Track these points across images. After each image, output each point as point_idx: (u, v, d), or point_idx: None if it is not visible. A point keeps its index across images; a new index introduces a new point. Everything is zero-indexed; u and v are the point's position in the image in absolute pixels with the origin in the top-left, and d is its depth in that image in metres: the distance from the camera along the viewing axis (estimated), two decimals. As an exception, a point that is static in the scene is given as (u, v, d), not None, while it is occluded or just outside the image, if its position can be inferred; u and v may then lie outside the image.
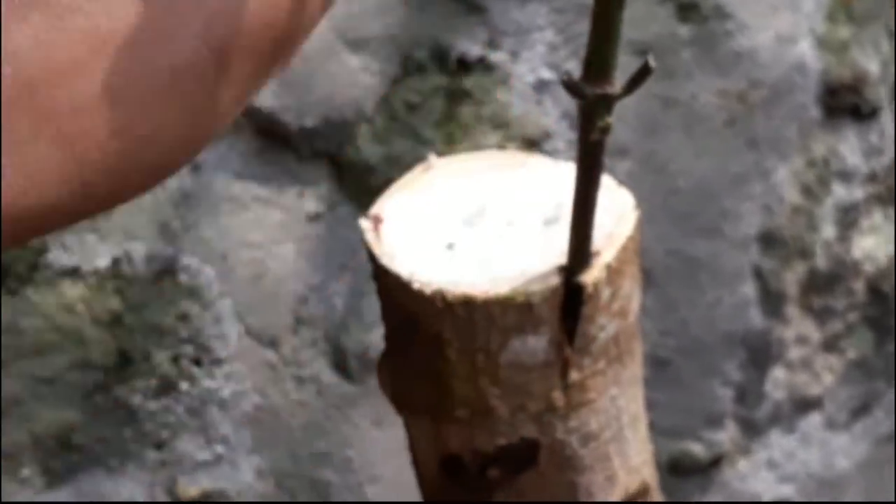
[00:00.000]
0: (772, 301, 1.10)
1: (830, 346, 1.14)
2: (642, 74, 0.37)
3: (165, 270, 0.94)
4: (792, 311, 1.10)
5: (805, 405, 1.15)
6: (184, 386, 0.96)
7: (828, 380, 1.15)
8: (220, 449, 0.98)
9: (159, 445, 0.97)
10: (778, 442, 1.15)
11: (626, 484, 0.59)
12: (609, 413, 0.55)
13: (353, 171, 0.96)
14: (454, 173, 0.56)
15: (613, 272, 0.50)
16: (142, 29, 0.29)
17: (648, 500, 0.61)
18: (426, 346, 0.53)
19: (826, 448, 1.18)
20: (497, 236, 0.52)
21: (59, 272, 0.92)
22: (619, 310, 0.52)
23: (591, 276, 0.49)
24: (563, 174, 0.55)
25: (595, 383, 0.54)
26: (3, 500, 0.94)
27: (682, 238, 1.04)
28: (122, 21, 0.28)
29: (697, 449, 1.12)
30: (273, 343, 0.97)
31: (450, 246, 0.52)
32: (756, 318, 1.09)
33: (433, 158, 0.56)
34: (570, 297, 0.49)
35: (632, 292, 0.52)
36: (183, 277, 0.94)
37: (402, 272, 0.51)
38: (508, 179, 0.54)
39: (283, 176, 0.95)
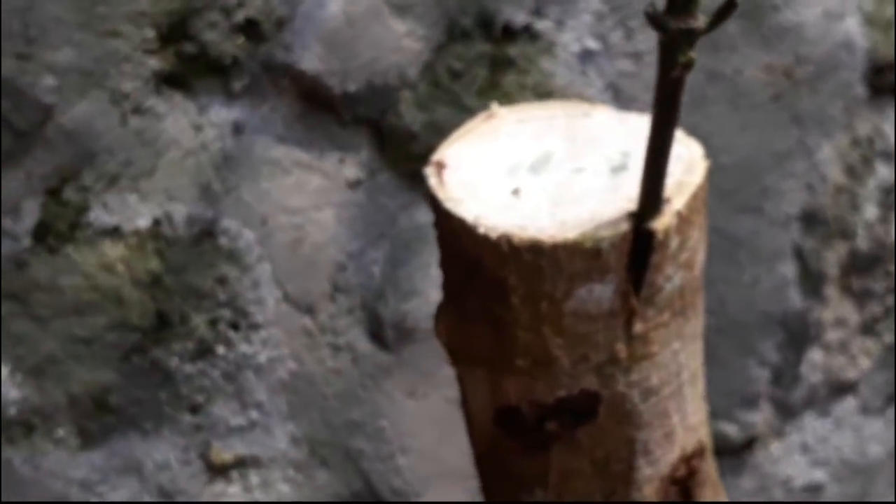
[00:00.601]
0: (811, 281, 1.09)
1: (868, 329, 1.13)
2: (727, 9, 0.36)
3: (205, 233, 0.94)
4: (831, 292, 1.10)
5: (840, 389, 1.14)
6: (220, 350, 0.96)
7: (864, 364, 1.14)
8: (254, 415, 0.98)
9: (194, 409, 0.96)
10: (812, 425, 1.14)
11: (683, 442, 0.58)
12: (670, 368, 0.54)
13: (394, 138, 0.96)
14: (517, 121, 0.55)
15: (683, 220, 0.49)
16: None
17: (704, 461, 0.60)
18: (489, 292, 0.52)
19: (859, 433, 1.17)
20: (563, 183, 0.51)
21: (100, 231, 0.92)
22: (686, 261, 0.51)
23: (661, 222, 0.48)
24: (628, 124, 0.54)
25: (658, 336, 0.53)
26: (38, 458, 0.94)
27: (724, 215, 1.03)
28: None
29: (731, 430, 1.11)
30: (310, 310, 0.97)
31: (515, 192, 0.51)
32: (795, 298, 1.08)
33: (495, 106, 0.55)
34: (639, 244, 0.48)
35: (699, 244, 0.52)
36: (223, 240, 0.94)
37: (468, 217, 0.51)
38: (573, 128, 0.54)
39: (324, 141, 0.95)
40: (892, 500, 1.19)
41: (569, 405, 0.54)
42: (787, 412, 1.12)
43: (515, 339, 0.53)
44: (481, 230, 0.49)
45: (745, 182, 1.04)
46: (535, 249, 0.49)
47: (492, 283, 0.51)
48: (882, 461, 1.18)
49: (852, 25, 1.03)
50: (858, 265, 1.10)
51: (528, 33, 0.96)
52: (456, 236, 0.51)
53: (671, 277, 0.51)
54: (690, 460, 0.58)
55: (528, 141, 0.54)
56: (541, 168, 0.52)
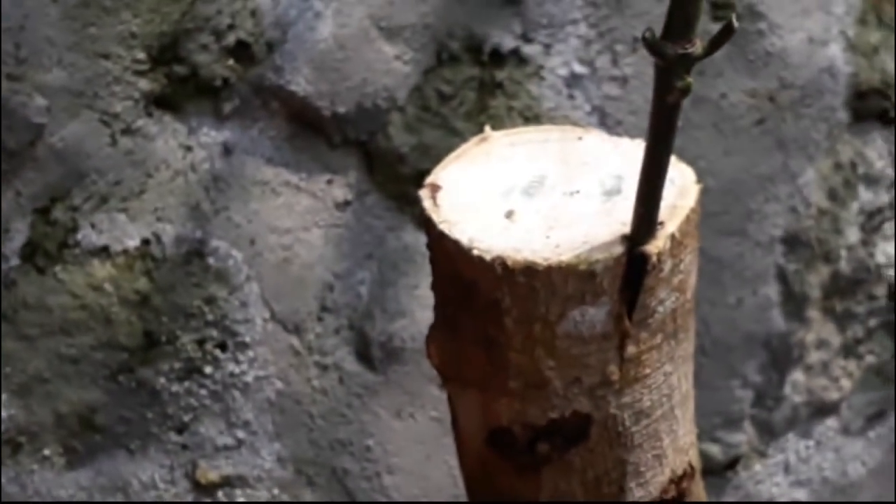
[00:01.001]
0: (794, 303, 1.10)
1: (850, 350, 1.14)
2: (725, 34, 0.37)
3: (194, 253, 0.94)
4: (814, 314, 1.11)
5: (822, 410, 1.15)
6: (207, 369, 0.96)
7: (846, 385, 1.15)
8: (241, 434, 0.98)
9: (181, 429, 0.96)
10: (794, 446, 1.15)
11: (673, 464, 0.59)
12: (662, 390, 0.55)
13: (383, 160, 0.96)
14: (510, 144, 0.56)
15: (676, 244, 0.50)
16: None
17: (694, 483, 0.61)
18: (483, 314, 0.53)
19: (841, 454, 1.18)
20: (557, 206, 0.52)
21: (89, 251, 0.92)
22: (679, 284, 0.52)
23: (655, 245, 0.49)
24: (621, 147, 0.55)
25: (650, 358, 0.54)
26: (25, 476, 0.93)
27: (708, 237, 1.04)
28: None
29: (714, 450, 1.12)
30: (297, 329, 0.97)
31: (509, 214, 0.52)
32: (778, 320, 1.09)
33: (488, 130, 0.56)
34: (632, 267, 0.49)
35: (691, 267, 0.52)
36: (211, 261, 0.94)
37: (462, 239, 0.51)
38: (566, 151, 0.54)
39: (312, 162, 0.95)
40: (874, 521, 1.20)
41: (561, 427, 0.54)
42: (769, 433, 1.13)
43: (508, 361, 0.53)
44: (476, 252, 0.50)
45: (729, 205, 1.05)
46: (530, 272, 0.49)
47: (485, 304, 0.52)
48: (863, 481, 1.19)
49: (835, 51, 1.05)
50: (841, 288, 1.11)
51: (517, 57, 0.97)
52: (450, 258, 0.52)
53: (664, 300, 0.51)
54: (680, 482, 0.59)
55: (521, 164, 0.54)
56: (535, 191, 0.52)
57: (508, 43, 0.96)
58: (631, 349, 0.52)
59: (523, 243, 0.50)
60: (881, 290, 1.13)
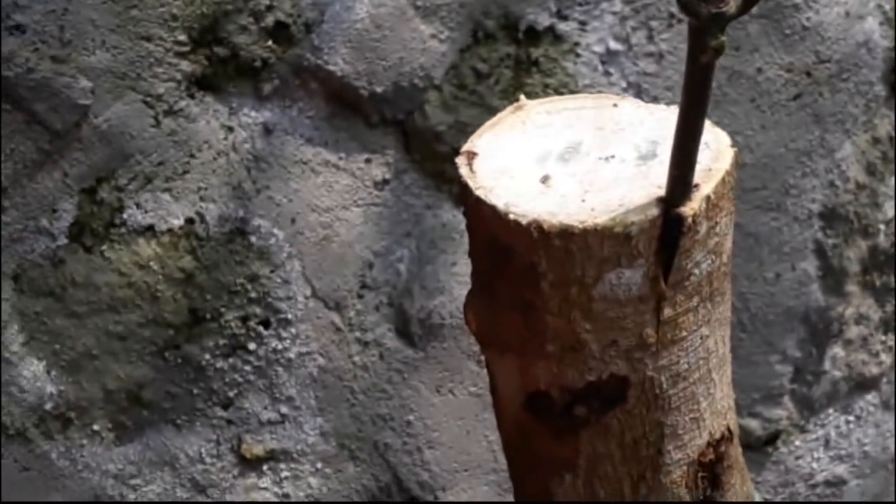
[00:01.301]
0: (833, 278, 1.10)
1: (889, 325, 1.13)
2: (757, -5, 0.38)
3: (237, 231, 0.95)
4: (852, 288, 1.10)
5: (862, 385, 1.15)
6: (251, 346, 0.97)
7: (885, 360, 1.15)
8: (284, 409, 0.99)
9: (226, 404, 0.98)
10: (834, 421, 1.15)
11: (711, 427, 0.59)
12: (699, 353, 0.56)
13: (420, 139, 0.97)
14: (546, 112, 0.57)
15: (712, 206, 0.51)
16: None
17: (732, 446, 0.61)
18: (519, 279, 0.54)
19: (881, 429, 1.18)
20: (592, 171, 0.53)
21: (134, 230, 0.93)
22: (715, 246, 0.53)
23: (690, 207, 0.50)
24: (656, 114, 0.55)
25: (687, 321, 0.54)
26: (75, 451, 0.95)
27: (746, 212, 1.04)
28: None
29: (754, 425, 1.12)
30: (338, 306, 0.99)
31: (545, 179, 0.53)
32: (817, 295, 1.09)
33: (523, 99, 0.57)
34: (668, 229, 0.49)
35: (727, 230, 0.53)
36: (253, 239, 0.96)
37: (498, 204, 0.52)
38: (601, 118, 0.55)
39: (351, 142, 0.97)
40: (915, 495, 1.20)
41: (599, 390, 0.55)
42: (809, 408, 1.13)
43: (545, 325, 0.54)
44: (512, 217, 0.51)
45: (766, 180, 1.05)
46: (566, 235, 0.50)
47: (522, 269, 0.53)
48: (904, 457, 1.19)
49: (872, 25, 1.04)
50: (879, 262, 1.11)
51: (552, 35, 0.97)
52: (486, 223, 0.53)
53: (700, 263, 0.52)
54: (718, 445, 0.59)
55: (556, 130, 0.55)
56: (570, 156, 0.53)
57: (544, 20, 0.97)
58: (667, 311, 0.52)
59: (559, 207, 0.51)
60: (921, 265, 1.12)
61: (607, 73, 0.99)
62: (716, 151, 0.52)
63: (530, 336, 0.56)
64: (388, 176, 0.98)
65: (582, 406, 0.56)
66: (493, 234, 0.54)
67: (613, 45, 0.98)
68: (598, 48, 0.98)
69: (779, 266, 1.08)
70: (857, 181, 1.07)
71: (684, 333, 0.54)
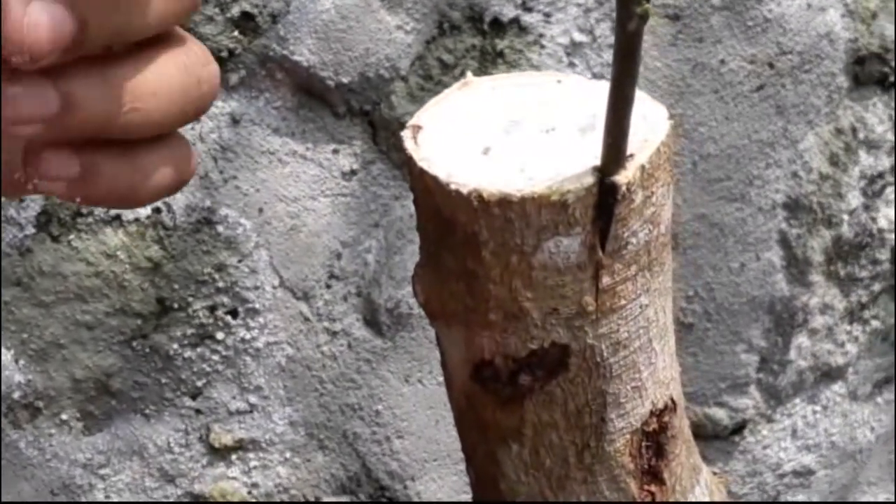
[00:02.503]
0: (797, 268, 1.11)
1: (855, 315, 1.15)
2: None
3: (204, 221, 0.96)
4: (817, 278, 1.12)
5: (828, 375, 1.16)
6: (219, 335, 0.98)
7: (851, 350, 1.16)
8: (253, 399, 1.00)
9: (194, 394, 0.99)
10: (801, 411, 1.16)
11: (653, 397, 0.60)
12: (638, 322, 0.57)
13: (387, 129, 0.98)
14: (491, 88, 0.58)
15: (647, 175, 0.52)
16: None
17: (676, 417, 0.62)
18: (462, 249, 0.55)
19: (849, 419, 1.19)
20: (533, 142, 0.54)
21: (101, 220, 0.94)
22: (652, 216, 0.54)
23: (625, 176, 0.51)
24: (597, 89, 0.56)
25: (626, 290, 0.55)
26: (43, 440, 0.96)
27: (710, 203, 1.06)
28: None
29: (721, 415, 1.13)
30: (306, 296, 1.00)
31: (486, 151, 0.54)
32: (781, 284, 1.11)
33: (470, 75, 0.58)
34: (603, 197, 0.50)
35: (664, 200, 0.54)
36: (220, 229, 0.97)
37: (440, 174, 0.53)
38: (545, 93, 0.56)
39: (318, 132, 0.98)
40: (881, 485, 1.21)
41: (541, 359, 0.56)
42: (775, 397, 1.15)
43: (488, 294, 0.55)
44: (453, 187, 0.52)
45: (730, 171, 1.06)
46: (504, 203, 0.51)
47: (464, 238, 0.54)
48: (871, 446, 1.20)
49: (834, 17, 1.06)
50: (843, 252, 1.12)
51: (517, 26, 0.98)
52: (430, 195, 0.54)
53: (637, 232, 0.53)
54: (662, 415, 0.60)
55: (501, 105, 0.56)
56: (512, 129, 0.54)
57: (509, 12, 0.98)
58: (606, 280, 0.53)
59: (499, 177, 0.52)
60: (884, 255, 1.14)
61: (572, 65, 1.00)
62: (652, 123, 0.53)
63: (474, 305, 0.57)
64: (355, 166, 0.99)
65: (526, 375, 0.57)
66: (436, 205, 0.55)
67: (578, 36, 1.00)
68: (563, 39, 1.00)
69: (743, 256, 1.09)
70: (820, 172, 1.09)
71: (623, 302, 0.55)
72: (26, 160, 0.39)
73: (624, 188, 0.50)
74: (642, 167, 0.50)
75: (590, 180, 0.50)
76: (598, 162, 0.51)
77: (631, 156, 0.51)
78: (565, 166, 0.51)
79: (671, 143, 0.53)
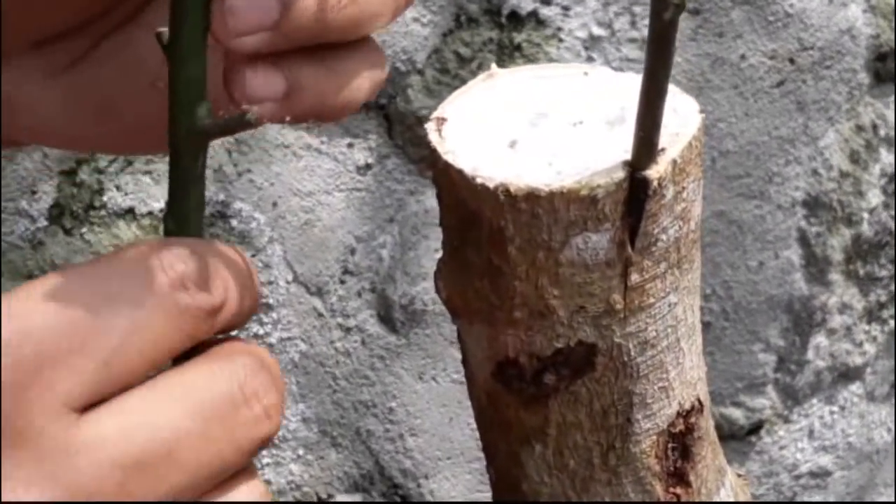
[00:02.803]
0: (816, 267, 1.10)
1: (873, 315, 1.13)
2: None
3: (218, 215, 0.95)
4: (836, 277, 1.10)
5: (846, 375, 1.15)
6: (233, 331, 0.97)
7: (869, 350, 1.15)
8: (265, 395, 0.99)
9: (206, 390, 0.98)
10: (818, 411, 1.15)
11: (680, 398, 0.59)
12: (667, 321, 0.55)
13: (402, 123, 0.97)
14: (516, 80, 0.56)
15: (678, 170, 0.50)
16: None
17: (702, 418, 0.61)
18: (487, 244, 0.53)
19: (866, 420, 1.17)
20: (561, 136, 0.52)
21: (114, 213, 0.93)
22: (682, 212, 0.52)
23: (656, 170, 0.49)
24: (626, 82, 0.55)
25: (654, 288, 0.54)
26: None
27: (729, 200, 1.04)
28: None
29: (738, 415, 1.12)
30: (320, 292, 0.98)
31: (512, 144, 0.52)
32: (800, 283, 1.09)
33: (495, 67, 0.57)
34: (634, 192, 0.49)
35: (695, 196, 0.53)
36: (234, 222, 0.96)
37: (465, 168, 0.52)
38: (571, 86, 0.55)
39: (333, 126, 0.97)
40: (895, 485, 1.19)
41: (567, 357, 0.54)
42: (793, 398, 1.13)
43: (513, 291, 0.53)
44: (479, 180, 0.50)
45: (750, 168, 1.05)
46: (532, 198, 0.50)
47: (490, 233, 0.52)
48: (888, 447, 1.19)
49: (856, 12, 1.04)
50: (863, 251, 1.11)
51: (535, 20, 0.97)
52: (455, 188, 0.52)
53: (667, 228, 0.52)
54: (688, 416, 0.59)
55: (527, 98, 0.55)
56: (538, 122, 0.53)
57: (527, 5, 0.97)
58: (634, 277, 0.52)
59: (526, 171, 0.51)
60: (905, 254, 1.12)
61: (590, 59, 0.99)
62: (683, 117, 0.52)
63: (499, 303, 0.55)
64: (370, 161, 0.98)
65: (551, 374, 0.55)
66: (461, 199, 0.54)
67: (596, 30, 0.99)
68: (581, 33, 0.98)
69: (762, 254, 1.08)
70: (840, 169, 1.07)
71: (652, 300, 0.53)
72: (230, 84, 0.37)
73: (655, 183, 0.49)
74: (674, 161, 0.49)
75: (620, 175, 0.49)
76: (628, 156, 0.50)
77: (662, 150, 0.49)
78: (594, 160, 0.50)
79: (702, 138, 0.52)
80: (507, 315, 0.53)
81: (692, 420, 0.59)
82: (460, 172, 0.51)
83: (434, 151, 0.53)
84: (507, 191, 0.49)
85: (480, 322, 0.55)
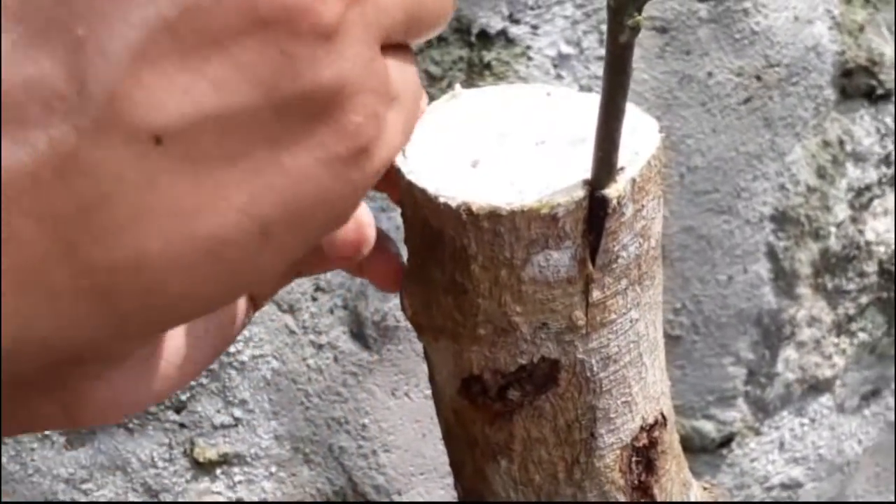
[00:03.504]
0: (785, 281, 1.11)
1: (842, 328, 1.14)
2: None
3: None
4: (804, 291, 1.11)
5: (816, 387, 1.16)
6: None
7: (839, 362, 1.16)
8: (238, 412, 0.99)
9: (178, 408, 0.98)
10: (789, 423, 1.16)
11: (644, 412, 0.59)
12: (628, 336, 0.56)
13: (373, 141, 0.98)
14: (480, 100, 0.57)
15: (637, 188, 0.51)
16: (184, 198, 0.29)
17: (666, 432, 0.62)
18: (451, 262, 0.54)
19: (836, 431, 1.18)
20: (523, 155, 0.53)
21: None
22: (642, 230, 0.53)
23: (615, 189, 0.50)
24: (588, 101, 0.56)
25: (616, 304, 0.55)
26: (25, 455, 0.95)
27: (697, 215, 1.05)
28: (165, 191, 0.29)
29: (709, 427, 1.13)
30: (292, 309, 0.99)
31: (475, 164, 0.53)
32: (769, 297, 1.10)
33: (458, 88, 0.57)
34: (594, 210, 0.50)
35: (655, 213, 0.53)
36: (205, 240, 0.96)
37: (428, 187, 0.52)
38: (534, 106, 0.56)
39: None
40: (868, 498, 1.20)
41: (530, 373, 0.55)
42: (763, 410, 1.14)
43: (477, 308, 0.54)
44: (441, 199, 0.51)
45: (718, 183, 1.06)
46: (494, 216, 0.50)
47: (453, 252, 0.53)
48: (859, 459, 1.20)
49: (821, 29, 1.06)
50: (831, 265, 1.12)
51: (504, 38, 0.98)
52: (418, 207, 0.53)
53: (627, 246, 0.52)
54: (652, 430, 0.59)
55: (490, 117, 0.56)
56: (501, 142, 0.54)
57: (496, 24, 0.98)
58: (596, 294, 0.53)
59: (488, 190, 0.52)
60: (872, 267, 1.13)
61: (559, 76, 1.00)
62: (643, 136, 0.52)
63: (463, 320, 0.56)
64: (341, 179, 0.99)
65: (515, 390, 0.56)
66: (424, 217, 0.54)
67: (565, 48, 0.99)
68: (550, 52, 0.99)
69: (731, 269, 1.09)
70: (807, 184, 1.08)
71: (613, 316, 0.54)
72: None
73: (615, 201, 0.49)
74: (633, 180, 0.50)
75: (580, 193, 0.50)
76: (588, 175, 0.50)
77: (622, 169, 0.50)
78: (555, 179, 0.51)
79: (662, 156, 0.53)
80: (470, 332, 0.54)
81: (655, 434, 0.60)
82: (423, 192, 0.51)
83: (398, 171, 0.54)
84: (469, 210, 0.50)
85: (445, 339, 0.56)
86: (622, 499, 0.58)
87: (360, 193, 0.34)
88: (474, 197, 0.50)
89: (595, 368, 0.54)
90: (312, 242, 0.33)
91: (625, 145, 0.51)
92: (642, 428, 0.58)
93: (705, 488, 0.68)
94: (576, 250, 0.50)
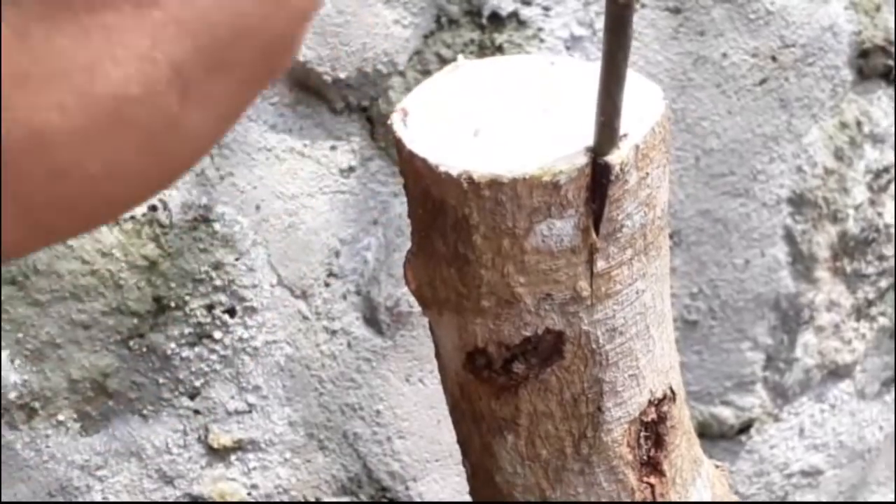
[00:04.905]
0: (803, 264, 1.09)
1: (861, 312, 1.13)
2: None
3: (200, 218, 0.95)
4: (823, 274, 1.10)
5: (836, 373, 1.15)
6: (217, 334, 0.97)
7: (859, 347, 1.14)
8: (252, 398, 0.99)
9: (192, 394, 0.98)
10: (808, 410, 1.15)
11: (651, 385, 0.59)
12: (635, 308, 0.56)
13: (384, 125, 0.97)
14: (482, 71, 0.57)
15: (642, 156, 0.51)
16: (70, 54, 0.24)
17: (675, 407, 0.61)
18: (453, 232, 0.54)
19: (857, 418, 1.17)
20: (525, 124, 0.53)
21: (96, 217, 0.93)
22: (647, 198, 0.52)
23: (618, 155, 0.49)
24: (591, 70, 0.55)
25: (621, 274, 0.54)
26: (40, 441, 0.95)
27: (714, 198, 1.04)
28: (43, 47, 0.23)
29: (727, 414, 1.12)
30: (305, 294, 0.98)
31: (476, 133, 0.53)
32: (787, 281, 1.09)
33: (461, 58, 0.57)
34: (596, 178, 0.49)
35: (660, 182, 0.53)
36: (217, 226, 0.96)
37: (429, 157, 0.52)
38: (537, 75, 0.55)
39: (316, 129, 0.97)
40: (889, 485, 1.19)
41: (535, 346, 0.55)
42: (782, 396, 1.13)
43: (480, 279, 0.54)
44: (443, 168, 0.51)
45: (734, 165, 1.05)
46: (495, 184, 0.50)
47: (455, 222, 0.52)
48: (880, 445, 1.19)
49: (837, 9, 1.04)
50: (849, 248, 1.11)
51: (516, 20, 0.97)
52: (420, 178, 0.53)
53: (632, 215, 0.52)
54: (660, 405, 0.59)
55: (492, 87, 0.55)
56: (503, 111, 0.53)
57: (507, 6, 0.97)
58: (601, 264, 0.52)
59: (489, 159, 0.51)
60: (891, 251, 1.12)
61: (571, 58, 0.99)
62: (647, 102, 0.52)
63: (466, 292, 0.55)
64: (353, 163, 0.98)
65: (520, 363, 0.56)
66: (426, 188, 0.54)
67: (577, 30, 0.99)
68: (562, 33, 0.99)
69: (748, 252, 1.08)
70: (825, 166, 1.07)
71: (619, 287, 0.53)
72: None
73: (617, 168, 0.49)
74: (636, 147, 0.49)
75: (582, 160, 0.49)
76: (591, 142, 0.50)
77: (625, 135, 0.49)
78: (558, 147, 0.50)
79: (667, 123, 0.52)
80: (474, 304, 0.53)
81: (664, 409, 0.59)
82: (424, 161, 0.51)
83: (399, 142, 0.53)
84: (470, 178, 0.49)
85: (449, 312, 0.56)
86: (631, 474, 0.58)
87: (297, 21, 0.29)
88: (475, 165, 0.50)
89: (601, 340, 0.54)
90: (256, 85, 0.26)
91: (629, 112, 0.50)
92: (650, 402, 0.58)
93: (717, 466, 0.67)
94: (579, 219, 0.50)
